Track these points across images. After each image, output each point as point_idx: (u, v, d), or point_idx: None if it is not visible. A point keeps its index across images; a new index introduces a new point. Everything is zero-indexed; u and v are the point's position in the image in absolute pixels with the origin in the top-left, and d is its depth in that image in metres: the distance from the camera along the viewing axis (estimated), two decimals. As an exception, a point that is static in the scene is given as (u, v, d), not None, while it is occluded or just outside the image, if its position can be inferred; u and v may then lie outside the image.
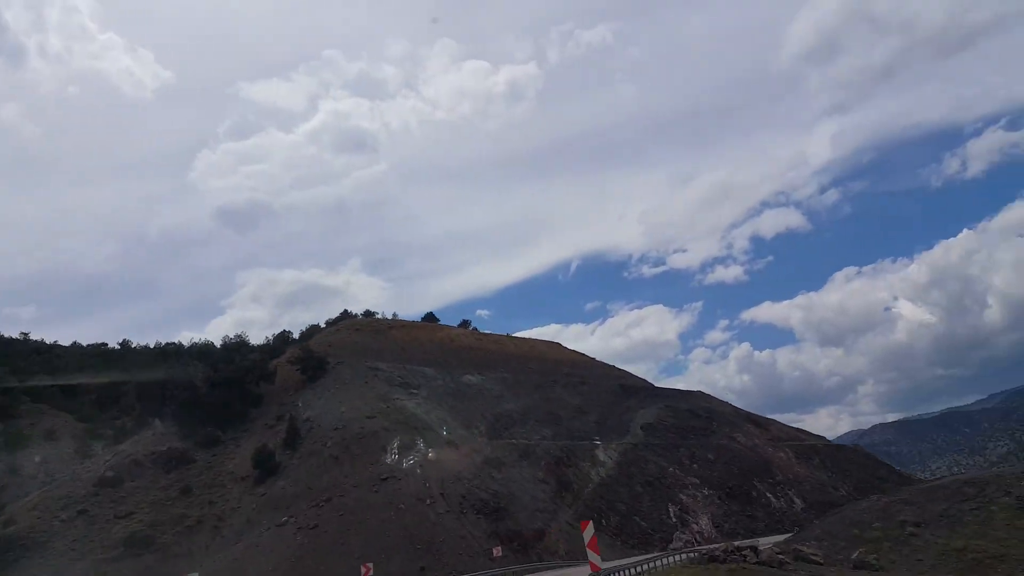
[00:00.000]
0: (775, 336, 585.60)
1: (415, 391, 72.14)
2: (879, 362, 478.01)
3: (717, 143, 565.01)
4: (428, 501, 50.54)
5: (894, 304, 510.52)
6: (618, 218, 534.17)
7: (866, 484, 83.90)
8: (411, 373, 76.75)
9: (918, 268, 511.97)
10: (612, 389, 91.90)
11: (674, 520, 61.94)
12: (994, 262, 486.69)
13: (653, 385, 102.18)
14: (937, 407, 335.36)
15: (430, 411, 68.22)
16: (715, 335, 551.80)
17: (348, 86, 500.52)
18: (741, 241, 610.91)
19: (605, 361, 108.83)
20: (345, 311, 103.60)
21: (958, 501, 43.31)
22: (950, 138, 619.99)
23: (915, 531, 39.02)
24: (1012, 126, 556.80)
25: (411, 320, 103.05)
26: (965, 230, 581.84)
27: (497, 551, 43.96)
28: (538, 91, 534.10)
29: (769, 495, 72.23)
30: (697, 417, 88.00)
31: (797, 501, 73.43)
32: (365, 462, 56.00)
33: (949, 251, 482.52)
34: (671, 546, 58.47)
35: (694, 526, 62.15)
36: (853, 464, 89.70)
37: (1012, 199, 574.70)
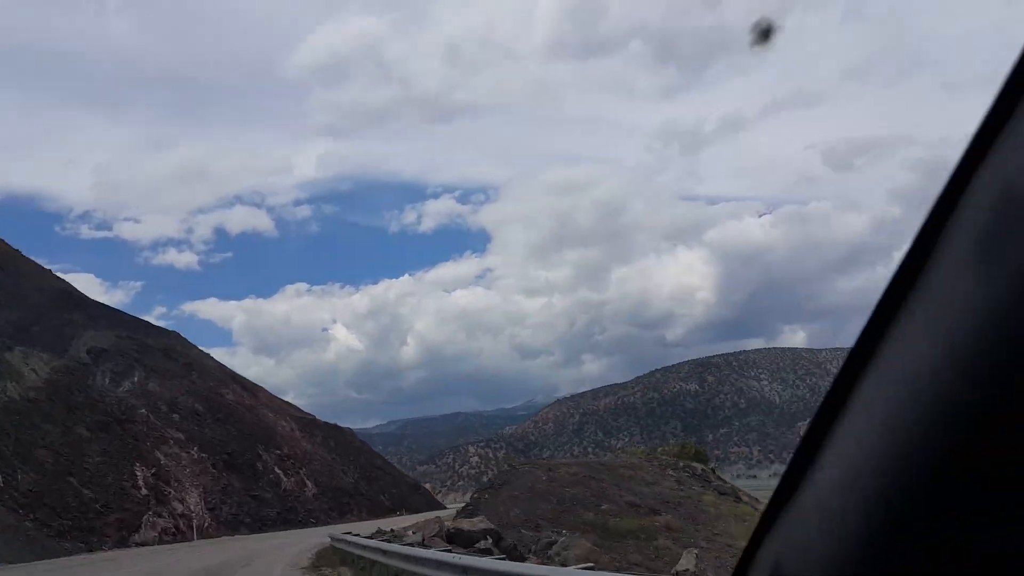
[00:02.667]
0: (211, 334, 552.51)
1: None
2: (306, 377, 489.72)
3: (206, 118, 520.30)
4: None
5: (332, 326, 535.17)
6: (67, 161, 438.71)
7: (370, 473, 68.68)
8: None
9: (360, 298, 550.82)
10: (48, 291, 57.22)
11: (145, 492, 34.46)
12: (421, 308, 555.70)
13: (109, 306, 69.31)
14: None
15: None
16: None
17: None
18: (204, 229, 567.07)
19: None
20: None
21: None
22: (415, 192, 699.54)
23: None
24: (462, 200, 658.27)
25: None
26: (406, 275, 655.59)
27: None
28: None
29: (279, 471, 49.78)
30: (173, 361, 59.88)
31: (309, 484, 52.68)
32: None
33: (389, 289, 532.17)
34: (136, 537, 31.28)
35: (178, 505, 35.70)
36: (352, 448, 73.70)
37: (447, 259, 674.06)
